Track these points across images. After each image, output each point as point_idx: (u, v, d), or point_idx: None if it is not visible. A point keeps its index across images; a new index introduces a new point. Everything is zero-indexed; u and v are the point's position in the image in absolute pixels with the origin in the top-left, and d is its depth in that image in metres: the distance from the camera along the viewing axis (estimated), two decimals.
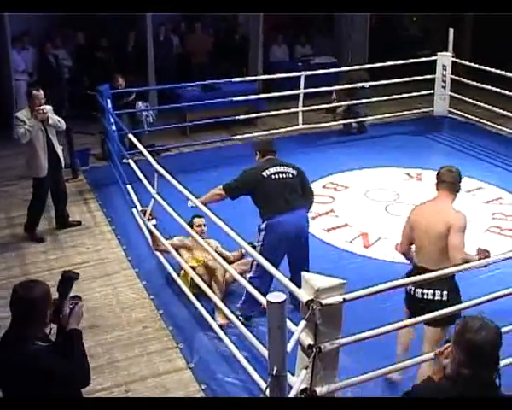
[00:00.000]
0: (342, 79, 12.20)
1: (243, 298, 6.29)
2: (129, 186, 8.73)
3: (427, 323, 4.98)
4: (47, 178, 8.18)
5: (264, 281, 5.94)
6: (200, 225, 7.22)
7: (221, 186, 6.54)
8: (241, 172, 6.57)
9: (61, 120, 8.15)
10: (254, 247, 6.12)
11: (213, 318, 6.27)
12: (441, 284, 5.01)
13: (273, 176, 6.35)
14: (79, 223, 8.72)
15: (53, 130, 8.14)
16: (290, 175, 6.42)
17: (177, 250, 7.14)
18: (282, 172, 6.40)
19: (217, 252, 6.86)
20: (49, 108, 8.04)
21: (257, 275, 6.08)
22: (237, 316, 6.06)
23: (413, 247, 5.38)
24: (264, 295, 4.29)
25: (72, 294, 3.71)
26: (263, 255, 5.96)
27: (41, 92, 7.98)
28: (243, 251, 7.00)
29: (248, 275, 6.26)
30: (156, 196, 7.49)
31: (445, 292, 5.05)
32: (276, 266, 6.03)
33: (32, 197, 8.39)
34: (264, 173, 6.36)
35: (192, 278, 6.73)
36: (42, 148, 8.01)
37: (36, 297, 3.47)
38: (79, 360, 3.58)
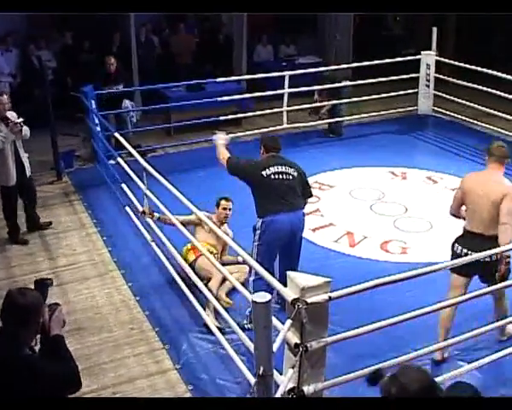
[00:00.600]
0: (324, 79, 12.20)
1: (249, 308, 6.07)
2: (123, 185, 8.64)
3: (492, 281, 5.42)
4: (14, 187, 8.12)
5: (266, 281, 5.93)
6: (225, 209, 7.22)
7: (228, 156, 6.53)
8: (248, 159, 6.55)
9: (27, 129, 8.08)
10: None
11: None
12: (495, 247, 5.37)
13: (273, 176, 6.26)
14: (50, 223, 8.68)
15: (20, 139, 8.07)
16: (290, 177, 6.34)
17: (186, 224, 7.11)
18: (283, 173, 6.31)
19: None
20: (14, 114, 7.97)
21: (259, 276, 6.01)
22: (245, 324, 6.09)
23: (463, 209, 5.92)
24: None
25: (58, 296, 3.70)
26: (259, 254, 6.05)
27: (4, 97, 7.94)
28: (239, 258, 7.04)
29: (250, 278, 6.23)
30: (147, 193, 7.45)
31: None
32: (273, 264, 6.08)
33: (3, 206, 8.38)
34: (263, 173, 6.26)
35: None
36: (11, 156, 7.96)
37: (30, 304, 3.44)
38: (69, 364, 3.55)
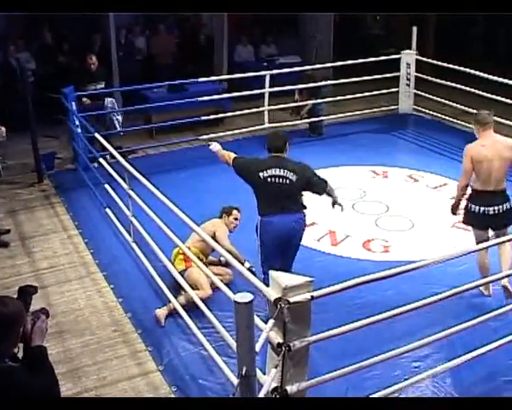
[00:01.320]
0: (305, 78, 12.24)
1: None
2: (107, 185, 8.59)
3: (503, 227, 6.68)
4: None
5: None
6: (237, 219, 7.22)
7: (234, 157, 6.51)
8: (252, 158, 6.52)
9: (4, 130, 7.96)
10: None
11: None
12: (504, 199, 6.63)
13: (269, 179, 6.16)
14: (8, 231, 8.54)
15: None
16: (287, 181, 6.19)
17: None
18: (280, 177, 6.18)
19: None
20: None
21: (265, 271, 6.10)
22: None
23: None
24: None
25: (40, 299, 3.64)
26: (262, 252, 6.34)
27: None
28: (222, 259, 7.19)
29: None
30: (130, 193, 7.40)
31: (507, 203, 6.63)
32: (275, 261, 6.08)
33: None
34: (261, 174, 6.19)
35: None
36: None
37: (11, 314, 3.34)
38: (48, 378, 3.46)
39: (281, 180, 6.19)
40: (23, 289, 3.61)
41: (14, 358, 3.46)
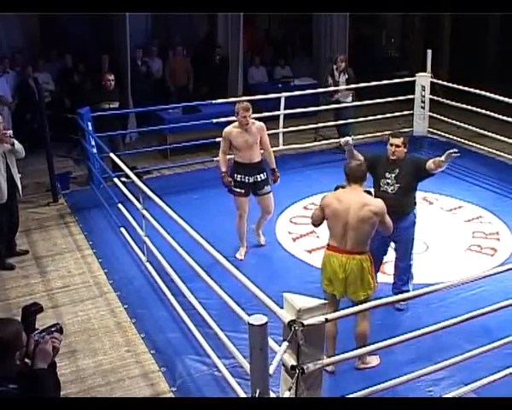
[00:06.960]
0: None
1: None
2: (120, 205, 8.60)
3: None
4: (3, 205, 7.95)
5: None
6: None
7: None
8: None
9: (21, 146, 7.95)
10: None
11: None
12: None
13: None
14: (26, 252, 8.56)
15: (12, 157, 7.95)
16: None
17: None
18: None
19: None
20: (10, 132, 7.91)
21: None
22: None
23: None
24: None
25: (53, 319, 3.61)
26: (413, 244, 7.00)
27: None
28: None
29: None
30: (144, 213, 7.43)
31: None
32: None
33: None
34: None
35: None
36: (2, 174, 7.82)
37: (5, 337, 3.30)
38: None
39: None
40: (27, 308, 3.56)
41: (19, 377, 3.36)
